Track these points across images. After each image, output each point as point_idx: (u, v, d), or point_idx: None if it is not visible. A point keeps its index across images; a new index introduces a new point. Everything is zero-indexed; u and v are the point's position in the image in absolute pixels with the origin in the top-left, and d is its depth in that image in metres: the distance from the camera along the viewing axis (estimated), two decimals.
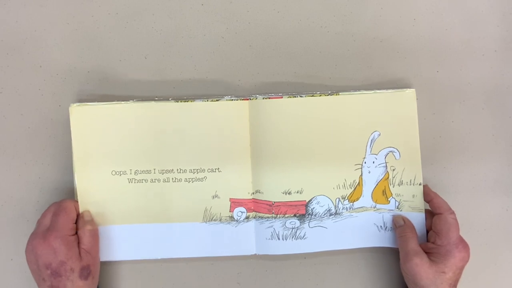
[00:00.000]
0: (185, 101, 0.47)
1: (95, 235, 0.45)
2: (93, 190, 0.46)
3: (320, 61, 0.51)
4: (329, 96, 0.48)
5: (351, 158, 0.48)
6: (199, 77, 0.50)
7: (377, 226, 0.48)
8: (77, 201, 0.46)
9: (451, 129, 0.51)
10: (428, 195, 0.47)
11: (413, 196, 0.48)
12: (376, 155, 0.48)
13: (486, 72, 0.52)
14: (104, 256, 0.46)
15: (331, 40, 0.51)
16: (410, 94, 0.48)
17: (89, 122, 0.46)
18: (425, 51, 0.51)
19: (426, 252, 0.44)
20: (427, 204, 0.47)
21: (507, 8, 0.52)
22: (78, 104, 0.46)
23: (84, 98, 0.49)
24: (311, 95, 0.48)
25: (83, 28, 0.49)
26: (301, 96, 0.47)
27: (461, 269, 0.43)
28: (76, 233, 0.44)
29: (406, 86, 0.51)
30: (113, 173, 0.46)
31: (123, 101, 0.47)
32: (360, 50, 0.51)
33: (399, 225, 0.46)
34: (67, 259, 0.41)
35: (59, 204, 0.44)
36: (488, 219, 0.51)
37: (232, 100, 0.47)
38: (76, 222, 0.45)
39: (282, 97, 0.47)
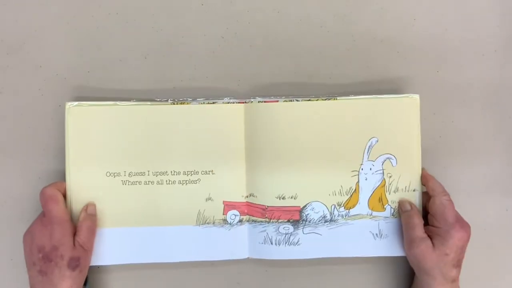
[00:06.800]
0: (181, 103, 0.47)
1: (92, 231, 0.45)
2: (86, 191, 0.46)
3: (320, 61, 0.51)
4: (326, 101, 0.47)
5: (348, 164, 0.47)
6: (199, 77, 0.50)
7: (373, 234, 0.47)
8: (62, 182, 0.46)
9: (451, 129, 0.51)
10: (424, 178, 0.47)
11: None
12: (374, 161, 0.47)
13: (486, 72, 0.52)
14: (95, 260, 0.46)
15: (331, 40, 0.51)
16: (413, 100, 0.47)
17: (85, 122, 0.46)
18: (425, 51, 0.51)
19: (428, 236, 0.44)
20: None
21: (507, 8, 0.52)
22: (74, 103, 0.46)
23: (84, 98, 0.49)
24: (308, 99, 0.47)
25: (83, 28, 0.49)
26: (297, 100, 0.47)
27: (461, 248, 0.43)
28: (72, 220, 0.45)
29: (406, 86, 0.51)
30: (108, 174, 0.46)
31: (122, 101, 0.46)
32: (360, 50, 0.51)
33: (405, 210, 0.46)
34: (60, 244, 0.41)
35: (43, 194, 0.43)
36: (488, 219, 0.51)
37: (228, 103, 0.47)
38: (68, 199, 0.45)
39: (278, 101, 0.47)
